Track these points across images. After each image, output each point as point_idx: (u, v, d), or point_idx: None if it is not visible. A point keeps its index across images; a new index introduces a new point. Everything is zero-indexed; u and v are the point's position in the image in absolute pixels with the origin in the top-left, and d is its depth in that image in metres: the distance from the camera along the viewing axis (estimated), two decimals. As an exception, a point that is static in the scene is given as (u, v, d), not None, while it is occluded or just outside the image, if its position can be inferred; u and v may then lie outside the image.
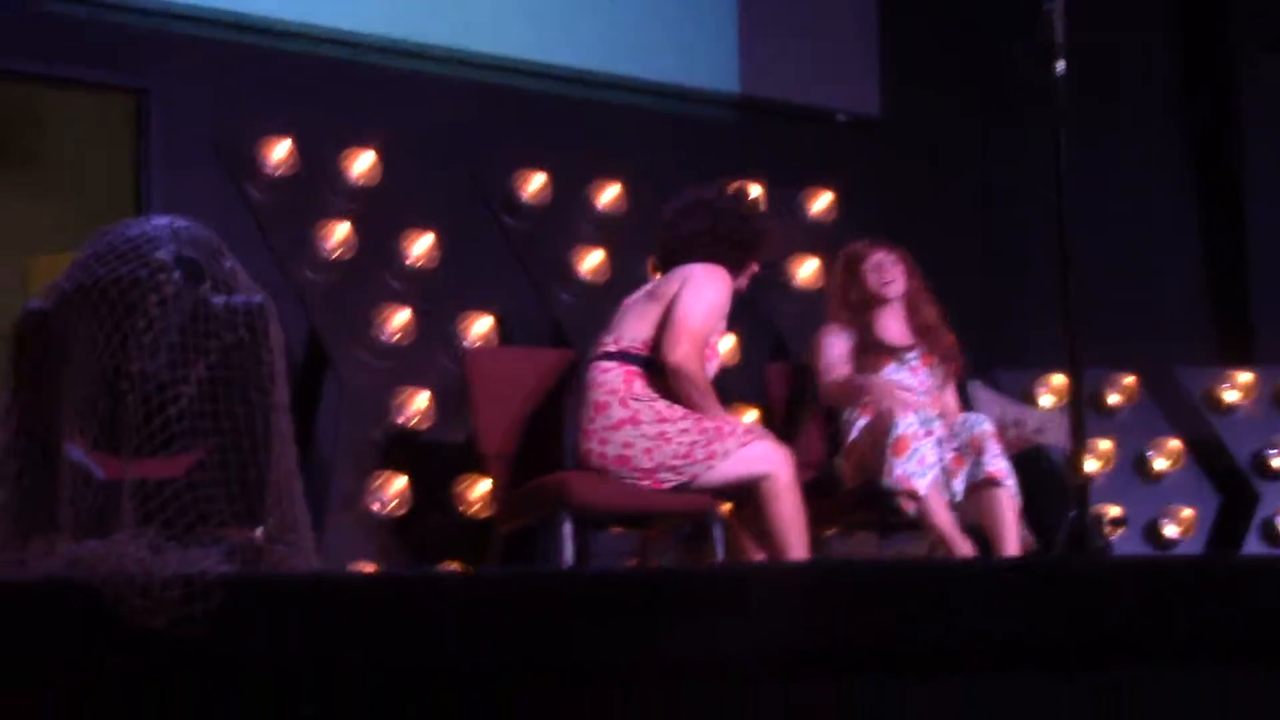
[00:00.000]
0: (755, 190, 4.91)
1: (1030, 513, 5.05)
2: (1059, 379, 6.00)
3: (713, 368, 4.78)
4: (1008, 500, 4.94)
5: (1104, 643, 2.85)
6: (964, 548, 4.87)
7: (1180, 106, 7.21)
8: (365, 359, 5.50)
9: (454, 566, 5.35)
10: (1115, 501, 6.02)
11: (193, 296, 2.94)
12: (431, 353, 5.60)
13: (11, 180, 5.95)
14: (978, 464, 4.97)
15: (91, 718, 2.59)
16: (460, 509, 5.46)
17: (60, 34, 5.75)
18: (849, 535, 5.34)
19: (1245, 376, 6.29)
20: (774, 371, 5.62)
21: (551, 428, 5.03)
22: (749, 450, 4.64)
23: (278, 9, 6.04)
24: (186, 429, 2.88)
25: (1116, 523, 5.77)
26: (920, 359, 5.32)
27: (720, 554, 4.75)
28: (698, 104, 6.84)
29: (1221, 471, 6.20)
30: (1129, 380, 6.26)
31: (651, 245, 5.03)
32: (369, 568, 5.28)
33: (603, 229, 6.07)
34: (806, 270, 6.20)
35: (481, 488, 5.43)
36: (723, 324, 4.82)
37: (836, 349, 5.31)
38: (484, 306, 5.73)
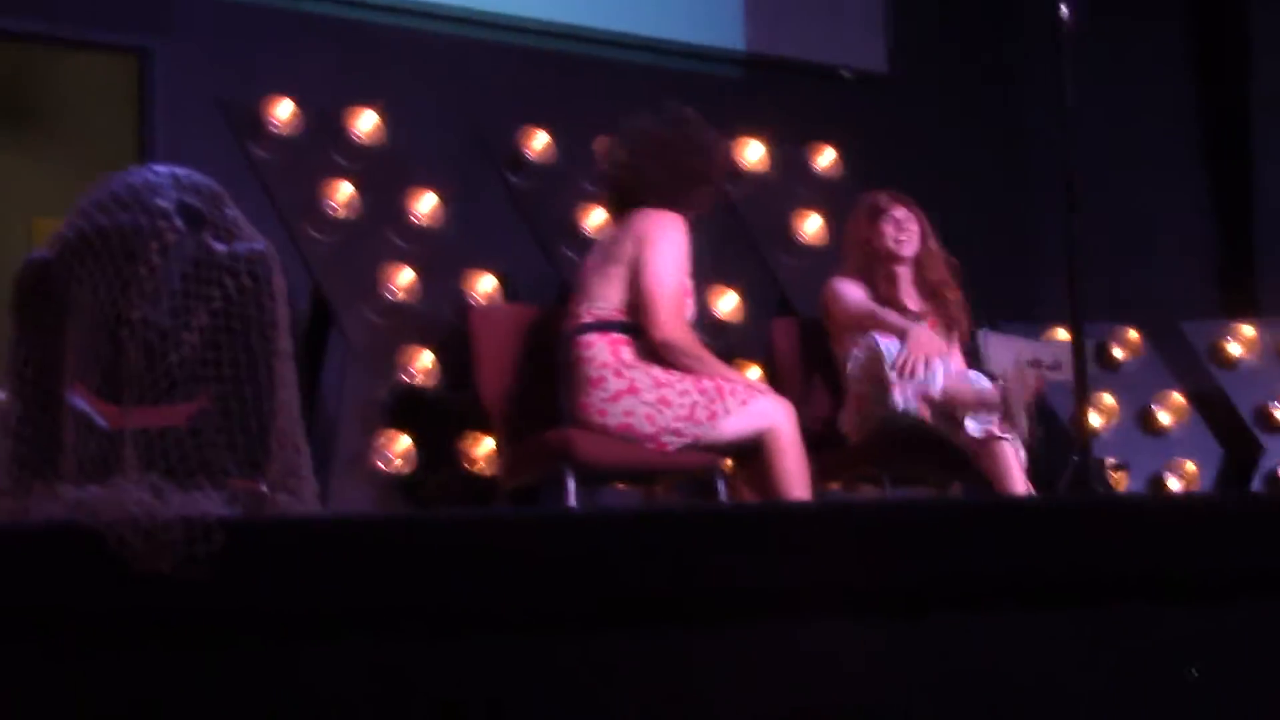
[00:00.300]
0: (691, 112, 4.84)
1: (1035, 473, 5.06)
2: (1064, 334, 5.99)
3: (689, 312, 4.75)
4: (1011, 452, 4.94)
5: (1112, 580, 2.87)
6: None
7: (1190, 61, 7.18)
8: (370, 318, 5.50)
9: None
10: (1119, 455, 6.03)
11: (195, 243, 2.94)
12: (436, 311, 5.61)
13: (16, 141, 5.96)
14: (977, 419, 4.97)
15: (95, 661, 2.61)
16: (465, 466, 5.47)
17: (63, -6, 5.76)
18: (852, 489, 5.35)
19: (1249, 330, 6.29)
20: (779, 327, 5.62)
21: (556, 386, 5.03)
22: (751, 406, 4.64)
23: (280, -32, 6.03)
24: (189, 376, 2.88)
25: (1119, 467, 5.77)
26: (928, 323, 5.32)
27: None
28: (703, 61, 6.83)
29: (1225, 425, 6.20)
30: (1133, 335, 6.26)
31: (604, 182, 4.95)
32: (375, 524, 5.28)
33: (607, 187, 6.04)
34: (811, 226, 6.19)
35: (486, 445, 5.44)
36: (688, 268, 4.77)
37: (856, 293, 5.31)
38: (488, 265, 5.72)
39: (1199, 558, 2.90)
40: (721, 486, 4.80)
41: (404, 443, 5.41)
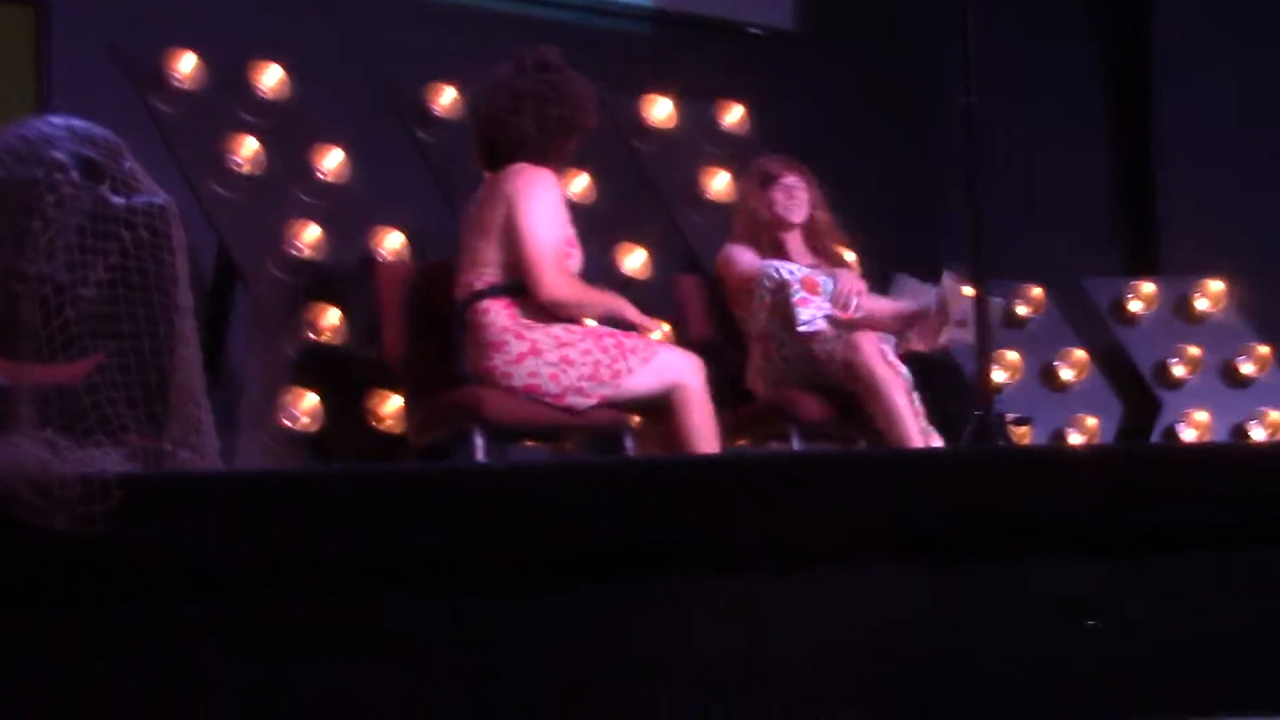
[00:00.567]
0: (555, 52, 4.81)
1: (938, 426, 5.11)
2: (969, 291, 6.05)
3: (576, 262, 4.74)
4: (904, 395, 5.01)
5: (1011, 532, 2.91)
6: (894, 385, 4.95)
7: (1091, 19, 7.25)
8: (276, 274, 5.45)
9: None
10: (1022, 411, 6.10)
11: (91, 196, 2.90)
12: (343, 268, 5.56)
13: (-90, 95, 5.83)
14: None
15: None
16: (372, 424, 5.44)
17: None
18: (760, 445, 5.38)
19: (1149, 287, 6.38)
20: (686, 284, 5.63)
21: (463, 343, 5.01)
22: (656, 361, 4.65)
23: (181, -82, 5.94)
24: (86, 332, 2.85)
25: (1021, 422, 5.85)
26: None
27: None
28: (612, 17, 6.81)
29: (1126, 381, 6.30)
30: (1036, 292, 6.33)
31: (476, 135, 4.90)
32: (281, 482, 5.26)
33: (515, 143, 6.01)
34: (718, 183, 6.20)
35: (393, 403, 5.41)
36: (567, 218, 4.75)
37: (748, 257, 5.35)
38: (395, 221, 5.69)
39: (1100, 510, 2.94)
40: (629, 443, 4.81)
41: (311, 400, 5.37)
